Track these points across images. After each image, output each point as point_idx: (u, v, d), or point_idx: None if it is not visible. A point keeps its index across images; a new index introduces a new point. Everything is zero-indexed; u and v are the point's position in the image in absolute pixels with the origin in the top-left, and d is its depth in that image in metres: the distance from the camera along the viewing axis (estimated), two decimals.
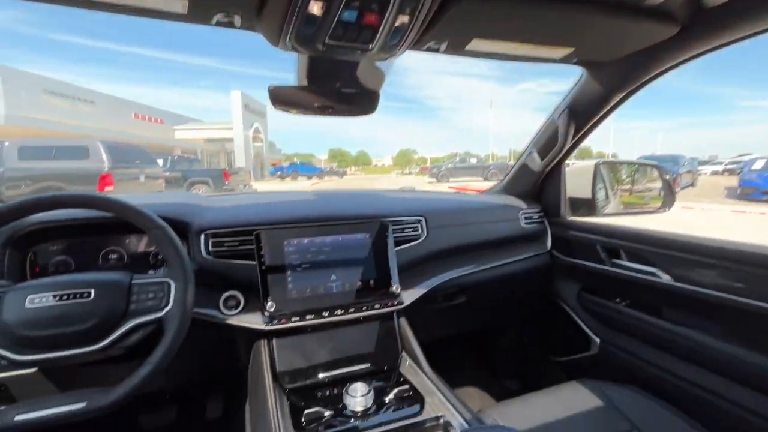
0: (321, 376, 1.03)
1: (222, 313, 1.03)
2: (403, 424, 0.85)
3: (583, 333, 1.50)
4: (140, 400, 1.38)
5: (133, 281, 0.85)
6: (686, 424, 0.97)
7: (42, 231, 1.01)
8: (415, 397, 0.94)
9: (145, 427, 1.46)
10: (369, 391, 0.90)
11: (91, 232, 1.08)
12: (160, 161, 10.22)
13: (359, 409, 0.88)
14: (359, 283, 1.15)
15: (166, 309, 0.83)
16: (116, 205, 0.85)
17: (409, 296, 1.19)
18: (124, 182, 7.75)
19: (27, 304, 0.75)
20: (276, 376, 1.00)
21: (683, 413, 1.01)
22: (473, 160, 24.23)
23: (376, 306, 1.13)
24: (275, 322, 1.02)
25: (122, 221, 1.06)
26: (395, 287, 1.16)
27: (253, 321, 1.03)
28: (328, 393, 0.99)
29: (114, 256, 1.10)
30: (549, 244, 1.62)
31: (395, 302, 1.15)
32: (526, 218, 1.58)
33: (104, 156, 7.44)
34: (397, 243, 1.25)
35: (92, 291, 0.80)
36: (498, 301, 1.63)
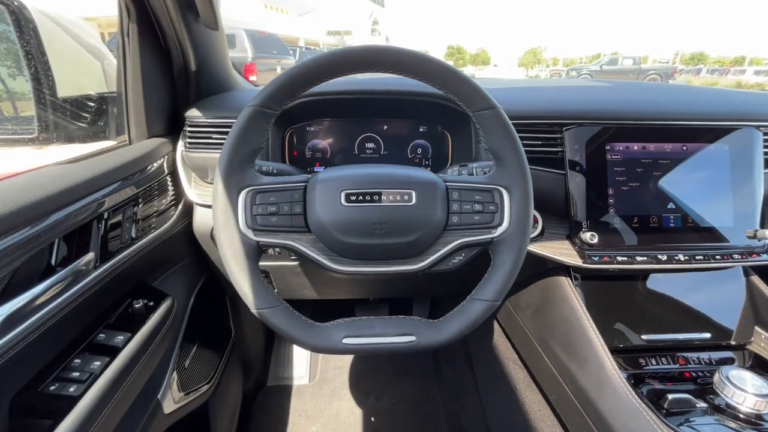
0: (644, 338, 0.75)
1: None
2: None
3: None
4: None
5: (448, 183, 0.61)
6: None
7: (303, 106, 0.82)
8: None
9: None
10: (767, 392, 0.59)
11: (348, 112, 0.87)
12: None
13: (747, 409, 0.59)
14: (707, 218, 0.77)
15: (501, 229, 0.58)
16: (438, 67, 0.56)
17: None
18: (263, 73, 7.98)
19: (343, 202, 0.57)
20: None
21: None
22: (627, 62, 19.43)
23: (735, 256, 0.75)
24: (596, 259, 0.73)
25: (394, 99, 0.82)
26: (765, 231, 0.76)
27: (561, 250, 0.76)
28: (662, 367, 0.72)
29: (371, 145, 0.89)
30: None
31: (763, 255, 0.76)
32: None
33: (248, 45, 7.62)
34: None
35: (413, 194, 0.58)
36: None
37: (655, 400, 0.62)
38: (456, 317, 0.58)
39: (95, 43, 0.78)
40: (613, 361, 0.65)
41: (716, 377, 0.62)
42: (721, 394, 0.61)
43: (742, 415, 0.59)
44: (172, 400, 0.78)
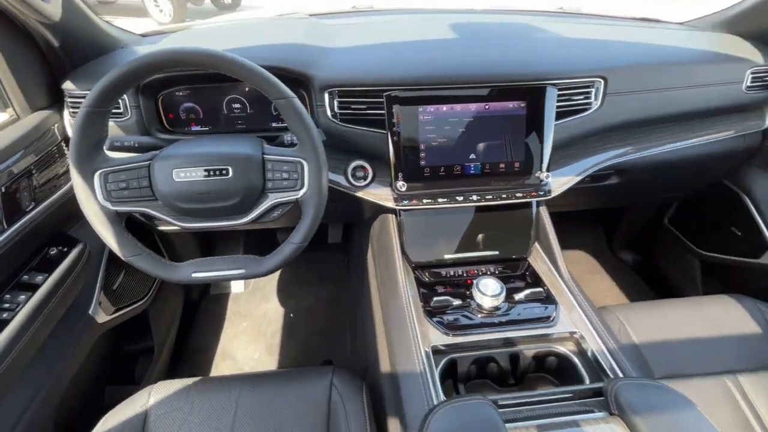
0: (447, 257, 1.01)
1: (350, 183, 0.97)
2: (532, 334, 0.82)
3: (761, 236, 1.22)
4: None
5: (265, 155, 0.78)
6: None
7: (164, 78, 0.93)
8: (548, 303, 0.89)
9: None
10: (501, 292, 0.85)
11: (213, 79, 0.97)
12: None
13: (488, 306, 0.86)
14: (501, 165, 0.97)
15: (302, 192, 0.78)
16: (234, 65, 0.70)
17: (558, 185, 1.00)
18: None
19: (175, 178, 0.75)
20: (403, 249, 0.99)
21: None
22: None
23: (518, 195, 0.97)
24: (405, 202, 0.94)
25: None
26: (544, 174, 0.96)
27: (383, 196, 0.97)
28: (454, 277, 0.98)
29: (237, 105, 1.02)
30: None
31: (540, 192, 0.97)
32: (755, 80, 1.08)
33: None
34: (558, 115, 0.96)
35: (230, 168, 0.75)
36: (659, 185, 1.34)
37: (427, 301, 0.89)
38: (275, 255, 0.81)
39: None
40: (404, 275, 0.91)
41: (473, 284, 0.89)
42: (474, 297, 0.88)
43: (485, 311, 0.87)
44: (104, 314, 1.06)
